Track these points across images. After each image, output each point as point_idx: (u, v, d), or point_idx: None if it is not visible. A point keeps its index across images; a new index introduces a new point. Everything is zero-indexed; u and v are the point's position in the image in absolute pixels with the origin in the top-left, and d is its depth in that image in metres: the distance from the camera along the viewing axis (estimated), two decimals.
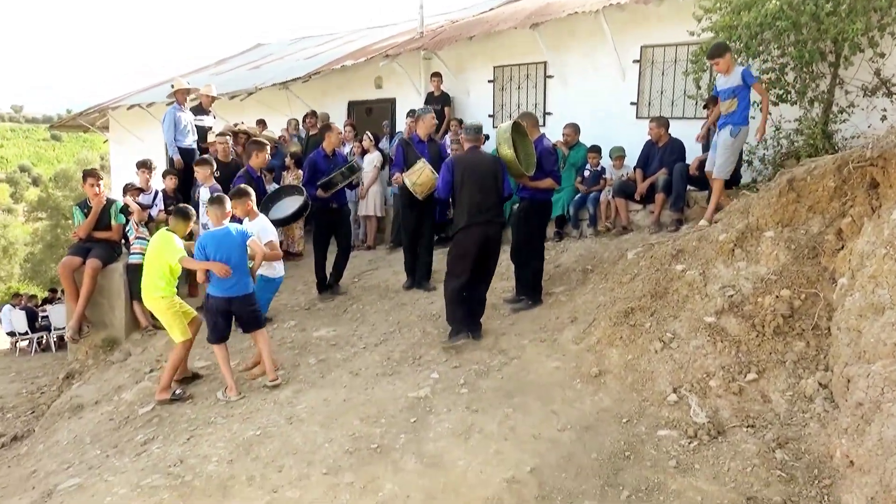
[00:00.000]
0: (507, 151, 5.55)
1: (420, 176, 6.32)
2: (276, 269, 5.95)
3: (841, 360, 3.72)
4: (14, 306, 15.15)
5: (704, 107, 7.32)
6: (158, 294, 5.27)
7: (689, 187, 7.09)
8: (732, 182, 6.85)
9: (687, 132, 7.47)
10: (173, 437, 4.50)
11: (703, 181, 6.91)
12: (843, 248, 4.43)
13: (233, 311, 5.18)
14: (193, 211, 5.42)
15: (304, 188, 6.76)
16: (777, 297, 4.43)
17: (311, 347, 5.91)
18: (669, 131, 7.40)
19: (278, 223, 6.53)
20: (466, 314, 5.58)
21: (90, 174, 6.56)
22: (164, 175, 7.98)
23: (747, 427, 3.74)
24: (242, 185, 5.74)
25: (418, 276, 7.11)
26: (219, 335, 5.17)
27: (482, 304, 5.75)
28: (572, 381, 4.56)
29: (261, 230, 5.55)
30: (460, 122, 8.98)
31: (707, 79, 7.36)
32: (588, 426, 4.00)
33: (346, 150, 9.75)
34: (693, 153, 7.23)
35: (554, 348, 5.10)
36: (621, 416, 4.06)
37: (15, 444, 5.80)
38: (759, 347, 4.21)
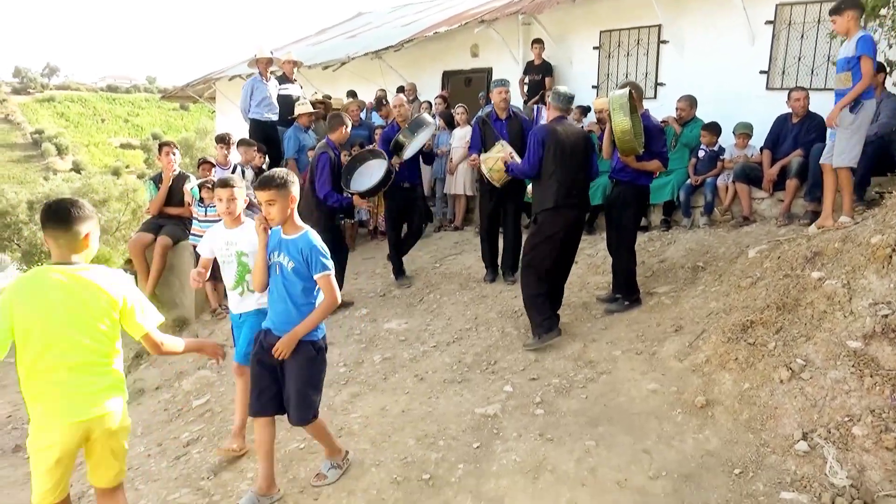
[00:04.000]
0: (624, 120, 4.75)
1: (497, 161, 5.58)
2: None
3: None
4: (126, 272, 15.85)
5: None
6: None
7: None
8: (888, 167, 5.68)
9: (830, 106, 6.26)
10: (217, 439, 4.14)
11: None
12: None
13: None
14: None
15: (381, 151, 6.20)
16: None
17: (379, 342, 5.41)
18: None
19: (367, 194, 6.01)
20: (552, 308, 4.91)
21: (164, 144, 6.32)
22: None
23: None
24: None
25: (503, 266, 6.44)
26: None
27: (559, 300, 5.14)
28: (672, 410, 3.77)
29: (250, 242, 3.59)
30: None
31: None
32: (688, 475, 3.22)
33: (436, 122, 9.17)
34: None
35: (652, 364, 4.31)
36: (732, 465, 3.25)
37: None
38: None
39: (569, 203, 4.81)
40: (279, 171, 3.16)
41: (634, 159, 5.06)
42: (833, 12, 4.94)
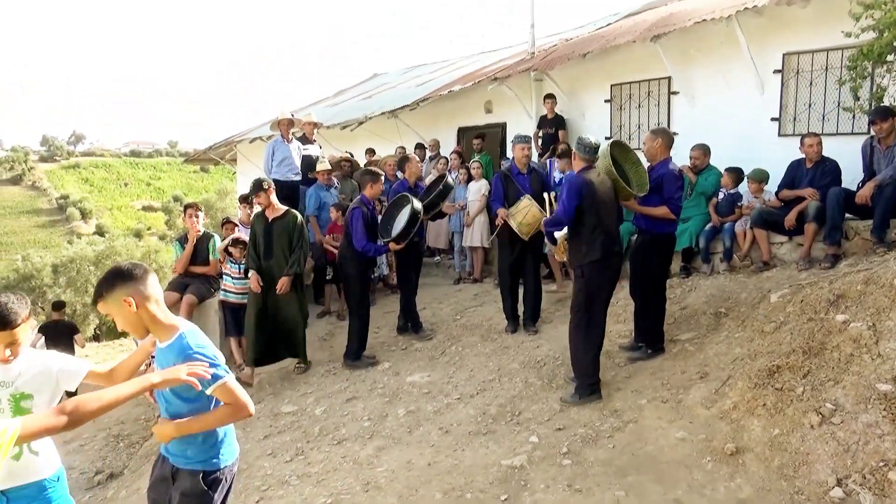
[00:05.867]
0: (605, 163, 4.84)
1: (526, 216, 5.73)
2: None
3: None
4: None
5: (871, 122, 6.05)
6: None
7: (846, 215, 5.96)
8: None
9: (842, 150, 6.35)
10: (243, 497, 4.12)
11: (863, 208, 5.78)
12: None
13: None
14: None
15: (408, 195, 6.39)
16: None
17: (403, 395, 5.41)
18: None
19: (399, 238, 6.15)
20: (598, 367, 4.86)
21: (189, 206, 6.54)
22: None
23: None
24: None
25: (524, 316, 6.46)
26: None
27: None
28: (701, 458, 3.72)
29: (60, 370, 2.60)
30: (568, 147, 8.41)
31: (868, 87, 6.20)
32: None
33: (452, 177, 9.36)
34: (850, 174, 6.12)
35: (679, 412, 4.27)
36: None
37: (110, 482, 5.72)
38: None
39: (616, 251, 4.84)
40: (109, 273, 2.30)
41: (637, 203, 5.15)
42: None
